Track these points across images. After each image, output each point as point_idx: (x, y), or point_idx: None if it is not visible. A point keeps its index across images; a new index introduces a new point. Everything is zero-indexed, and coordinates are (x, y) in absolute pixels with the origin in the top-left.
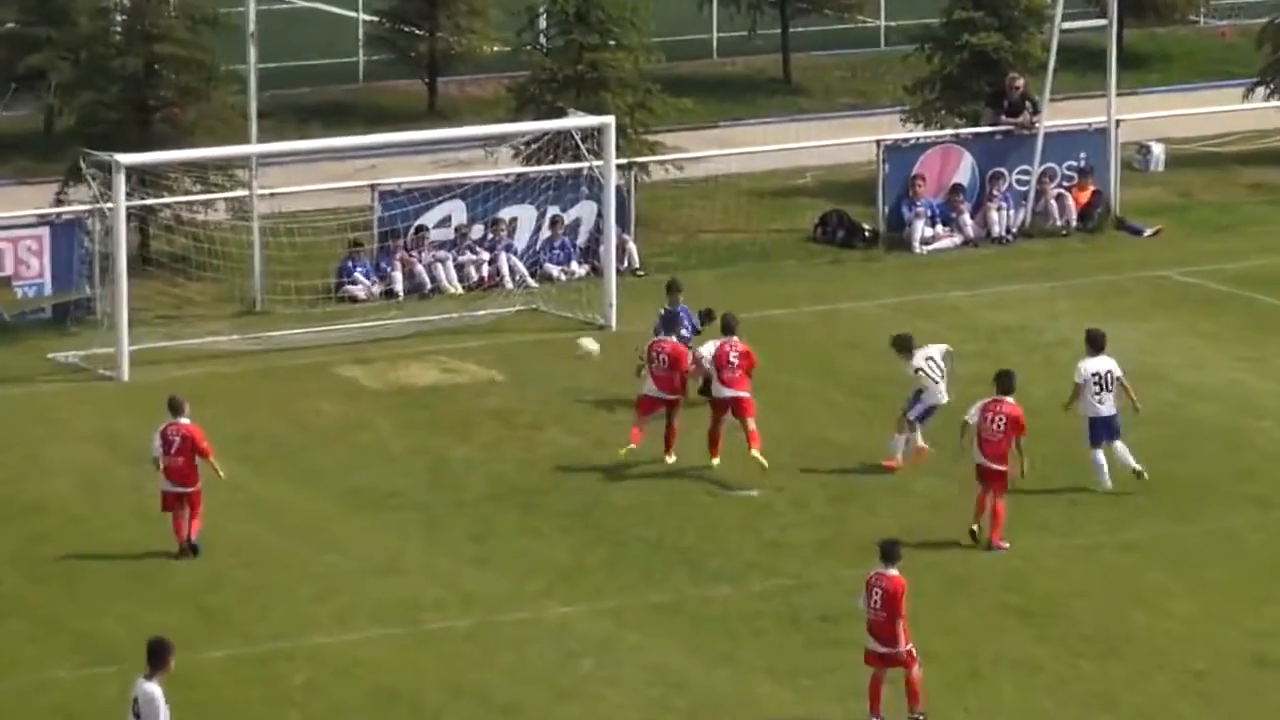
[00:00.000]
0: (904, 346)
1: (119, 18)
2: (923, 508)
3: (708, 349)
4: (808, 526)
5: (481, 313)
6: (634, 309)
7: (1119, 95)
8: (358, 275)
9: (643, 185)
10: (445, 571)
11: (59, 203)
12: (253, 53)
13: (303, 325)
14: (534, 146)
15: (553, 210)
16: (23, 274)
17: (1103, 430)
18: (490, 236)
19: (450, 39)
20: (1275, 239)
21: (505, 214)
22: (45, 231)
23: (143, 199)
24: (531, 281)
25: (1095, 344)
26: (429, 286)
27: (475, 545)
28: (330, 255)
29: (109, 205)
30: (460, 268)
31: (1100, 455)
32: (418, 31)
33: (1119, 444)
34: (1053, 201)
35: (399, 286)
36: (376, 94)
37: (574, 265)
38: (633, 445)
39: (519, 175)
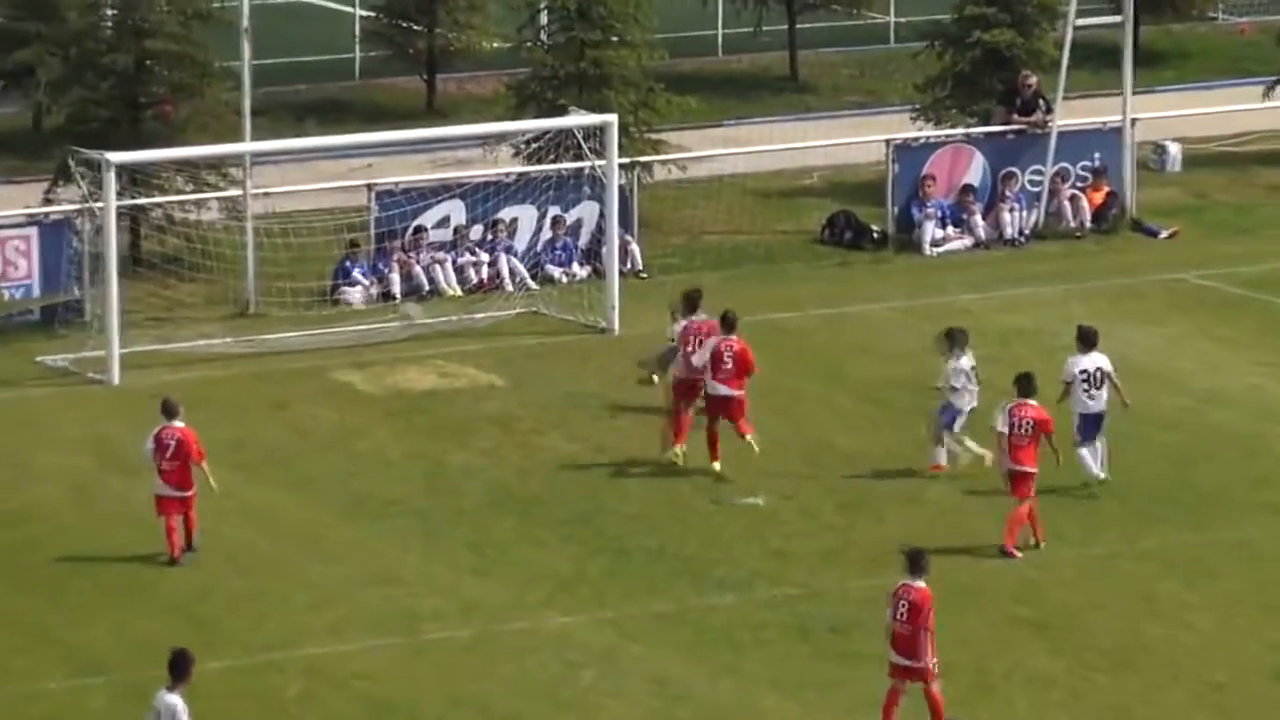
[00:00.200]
0: (961, 342)
1: (109, 12)
2: (933, 516)
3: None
4: (815, 535)
5: (481, 316)
6: (636, 312)
7: (1134, 94)
8: (353, 277)
9: (646, 185)
10: (443, 581)
11: (48, 202)
12: (247, 48)
13: (298, 328)
14: (535, 145)
15: (554, 211)
16: (10, 275)
17: (1093, 427)
18: (490, 237)
19: (449, 35)
20: None
21: (505, 214)
22: (33, 231)
23: (134, 198)
24: (532, 284)
25: (1086, 340)
26: (427, 288)
27: (474, 554)
28: (326, 257)
29: (99, 205)
30: (459, 269)
31: (1086, 453)
32: (416, 27)
33: (1099, 443)
34: (1066, 202)
35: (397, 289)
36: (373, 91)
37: (575, 267)
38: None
39: (519, 175)
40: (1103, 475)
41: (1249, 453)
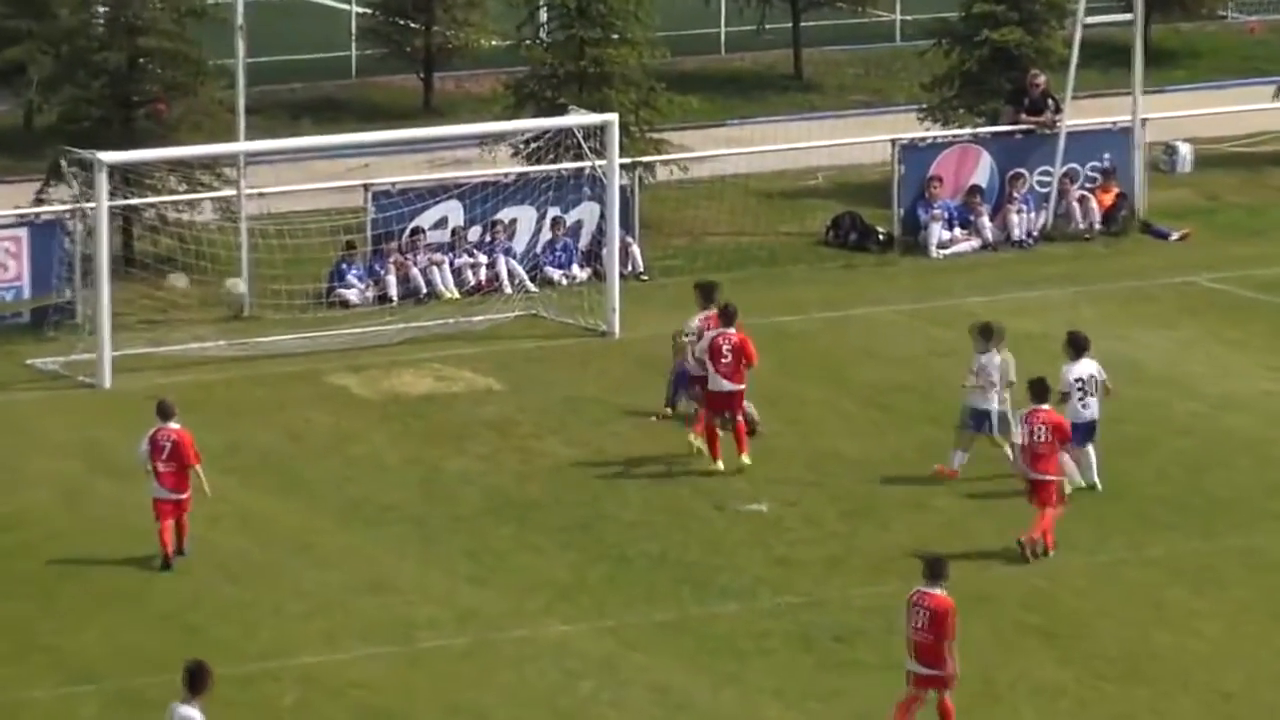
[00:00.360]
0: (989, 337)
1: (102, 10)
2: (939, 524)
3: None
4: (819, 542)
5: (479, 318)
6: (638, 314)
7: (1144, 93)
8: (349, 279)
9: (647, 186)
10: (440, 588)
11: (39, 202)
12: (241, 46)
13: (293, 331)
14: (534, 145)
15: (553, 212)
16: (0, 277)
17: (1084, 435)
18: (488, 239)
19: (447, 33)
20: None
21: (504, 215)
22: (24, 232)
23: (126, 199)
24: (531, 286)
25: (1078, 347)
26: (424, 291)
27: (471, 561)
28: (321, 258)
29: (90, 205)
30: (457, 271)
31: (1068, 459)
32: (413, 25)
33: (1090, 449)
34: (1075, 204)
35: (393, 291)
36: (370, 90)
37: (575, 269)
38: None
39: (518, 175)
40: (1083, 482)
41: (1261, 459)
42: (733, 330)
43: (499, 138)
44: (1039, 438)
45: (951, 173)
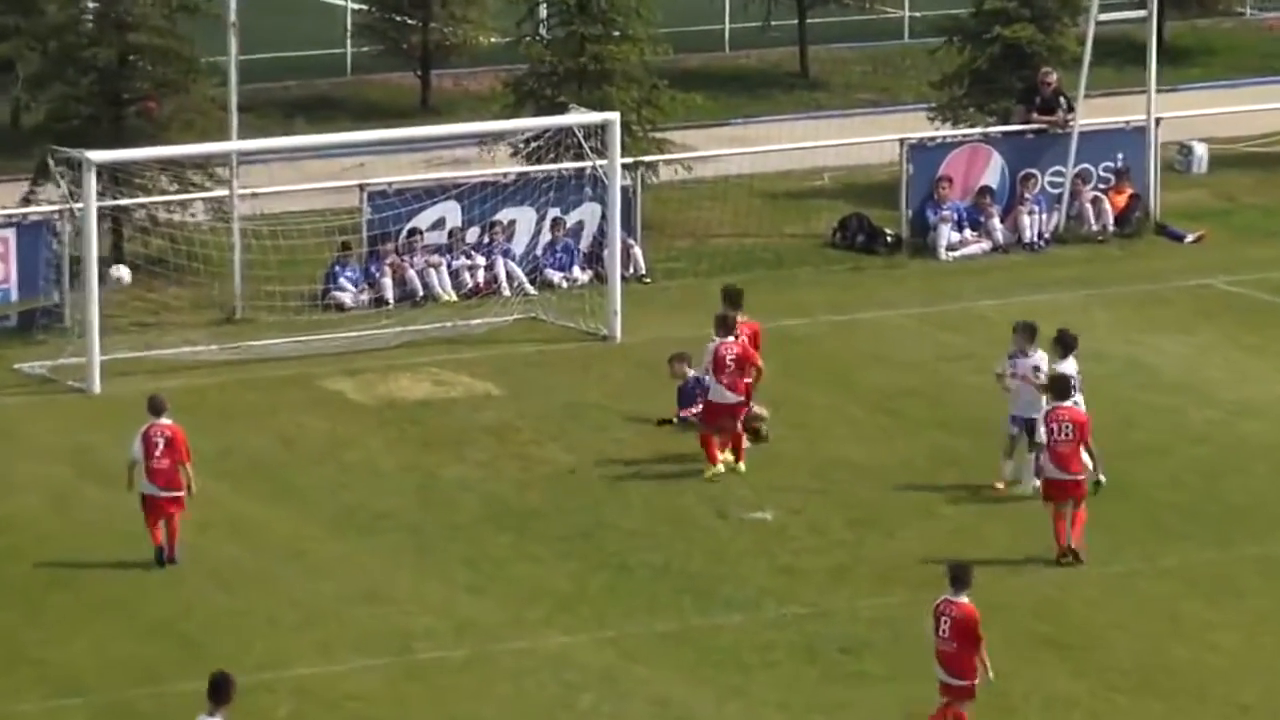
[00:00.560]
0: (1071, 345)
1: (91, 5)
2: (948, 532)
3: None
4: (824, 551)
5: (477, 322)
6: (640, 318)
7: (1159, 91)
8: (343, 281)
9: (649, 186)
10: (437, 598)
11: (26, 202)
12: (234, 43)
13: (286, 334)
14: (534, 145)
15: (553, 212)
16: None
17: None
18: (487, 240)
19: (444, 30)
20: None
21: (503, 216)
22: (11, 233)
23: (115, 199)
24: (530, 288)
25: (1066, 346)
26: (421, 293)
27: (469, 570)
28: (316, 260)
29: (79, 205)
30: (455, 274)
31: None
32: (410, 21)
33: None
34: (1088, 205)
35: (389, 294)
36: (365, 88)
37: (576, 271)
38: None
39: (518, 175)
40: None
41: (1279, 466)
42: (731, 339)
43: (498, 137)
44: (1062, 435)
45: (961, 173)
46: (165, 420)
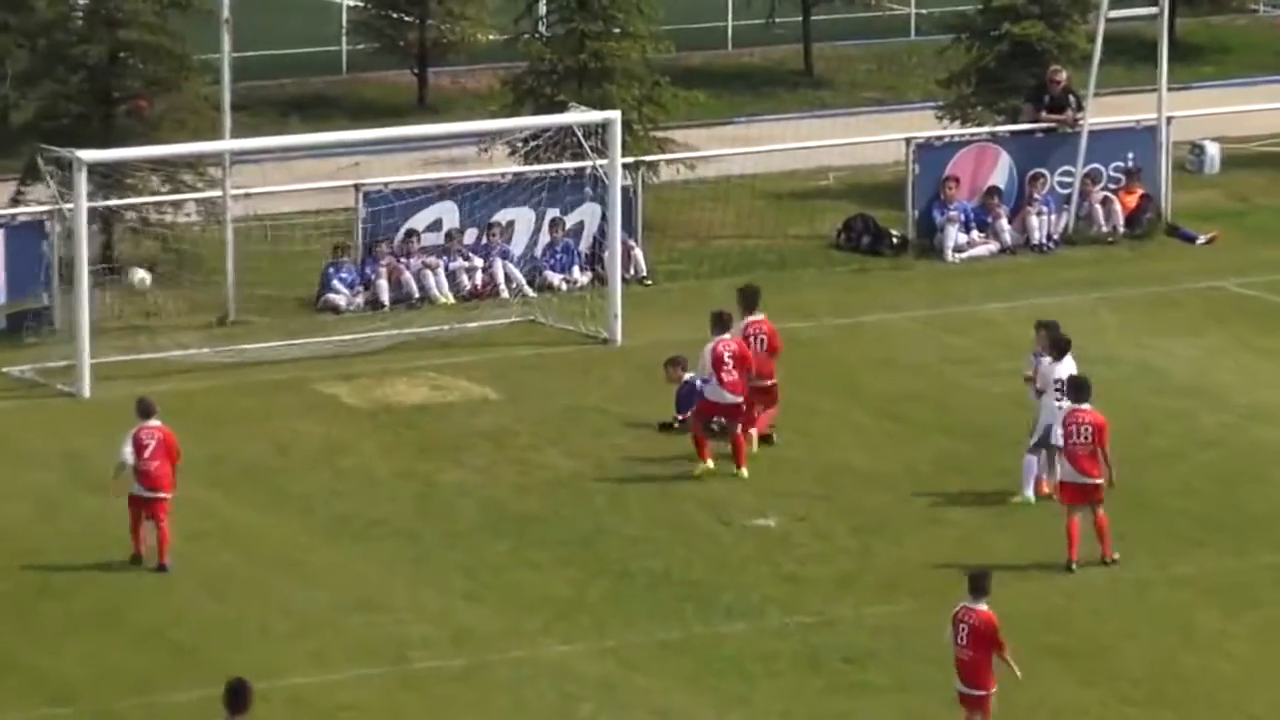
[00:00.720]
0: (1064, 347)
1: (81, 1)
2: (954, 540)
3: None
4: (829, 559)
5: (475, 324)
6: (640, 321)
7: (1170, 90)
8: (338, 284)
9: (650, 186)
10: (434, 607)
11: (15, 203)
12: (227, 40)
13: (280, 337)
14: (532, 144)
15: (552, 213)
16: None
17: (1051, 436)
18: (485, 242)
19: (442, 27)
20: None
21: (501, 217)
22: (0, 234)
23: (106, 199)
24: (529, 290)
25: (1060, 348)
26: (417, 296)
27: (466, 578)
28: (310, 262)
29: (69, 206)
30: (452, 275)
31: (1035, 461)
32: (406, 18)
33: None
34: (1098, 206)
35: (385, 296)
36: (361, 86)
37: (575, 273)
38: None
39: (516, 175)
40: (1030, 497)
41: None
42: (727, 337)
43: (496, 136)
44: (1080, 438)
45: (969, 173)
46: (154, 422)
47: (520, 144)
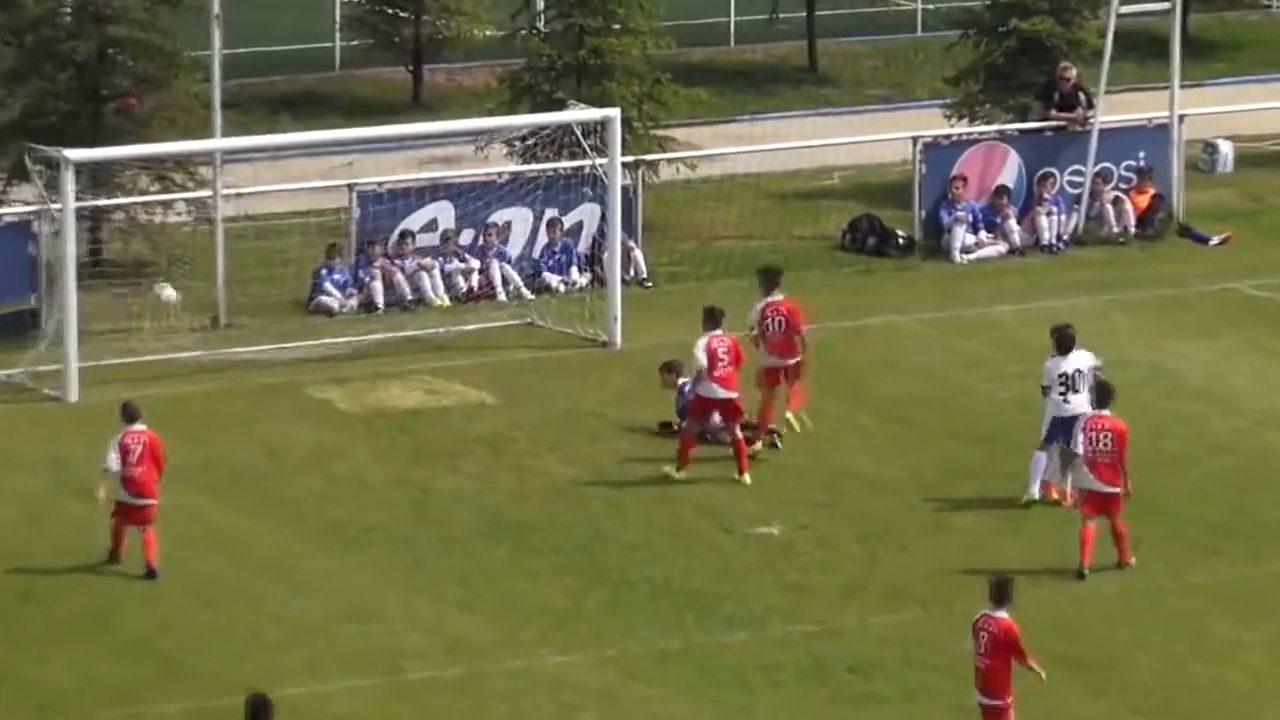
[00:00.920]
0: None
1: None
2: (961, 547)
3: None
4: (833, 567)
5: (471, 327)
6: (641, 323)
7: (1183, 87)
8: (331, 286)
9: (651, 186)
10: (429, 616)
11: (0, 203)
12: (217, 37)
13: (272, 340)
14: (530, 142)
15: (550, 213)
16: None
17: (1060, 431)
18: (481, 242)
19: (437, 23)
20: None
21: (498, 217)
22: None
23: (94, 199)
24: (527, 292)
25: (1063, 345)
26: (410, 298)
27: (462, 587)
28: (303, 262)
29: (56, 206)
30: (448, 277)
31: (1044, 458)
32: (401, 14)
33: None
34: (1108, 206)
35: (379, 298)
36: (355, 83)
37: (574, 274)
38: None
39: (513, 175)
40: (1034, 494)
41: None
42: (720, 332)
43: (493, 134)
44: (1102, 444)
45: (976, 172)
46: (140, 426)
47: (518, 143)
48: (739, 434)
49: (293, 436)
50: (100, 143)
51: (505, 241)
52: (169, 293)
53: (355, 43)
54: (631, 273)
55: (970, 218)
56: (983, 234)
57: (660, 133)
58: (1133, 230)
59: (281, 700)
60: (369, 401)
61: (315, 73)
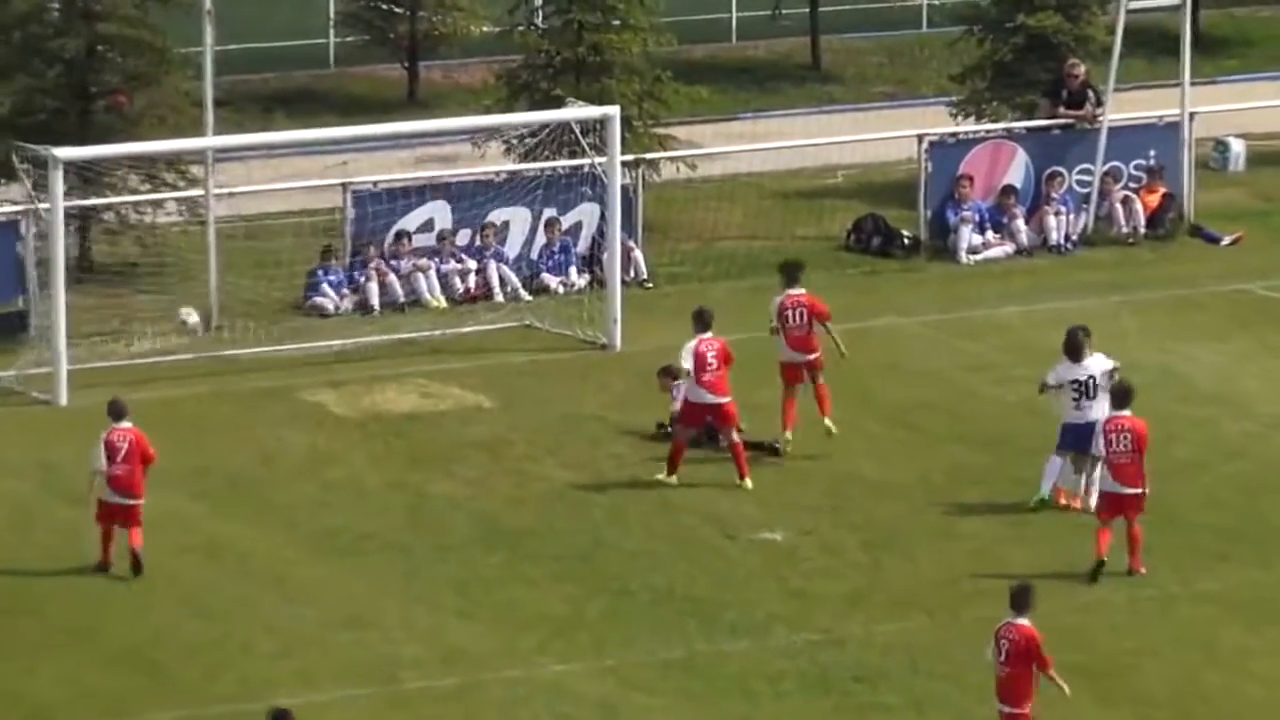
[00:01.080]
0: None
1: None
2: (968, 554)
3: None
4: (838, 574)
5: (468, 329)
6: (641, 325)
7: (1193, 84)
8: (325, 287)
9: (651, 185)
10: (425, 624)
11: None
12: (209, 33)
13: (265, 343)
14: (528, 141)
15: (549, 213)
16: None
17: (1071, 438)
18: (478, 243)
19: (433, 18)
20: None
21: (495, 217)
22: None
23: (83, 199)
24: (524, 294)
25: (1073, 353)
26: (402, 299)
27: (459, 595)
28: (297, 263)
29: (44, 206)
30: (444, 278)
31: (1058, 462)
32: (396, 10)
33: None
34: (1118, 205)
35: (374, 300)
36: (349, 80)
37: (573, 275)
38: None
39: (511, 173)
40: (1044, 494)
41: None
42: (710, 335)
43: (490, 133)
44: (1121, 445)
45: (983, 172)
46: (126, 424)
47: (515, 141)
48: (735, 438)
49: (286, 441)
50: (89, 141)
51: (503, 242)
52: (194, 319)
53: (350, 39)
54: (631, 274)
55: (977, 217)
56: (989, 234)
57: (661, 131)
58: (1143, 230)
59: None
60: (364, 405)
61: (309, 69)
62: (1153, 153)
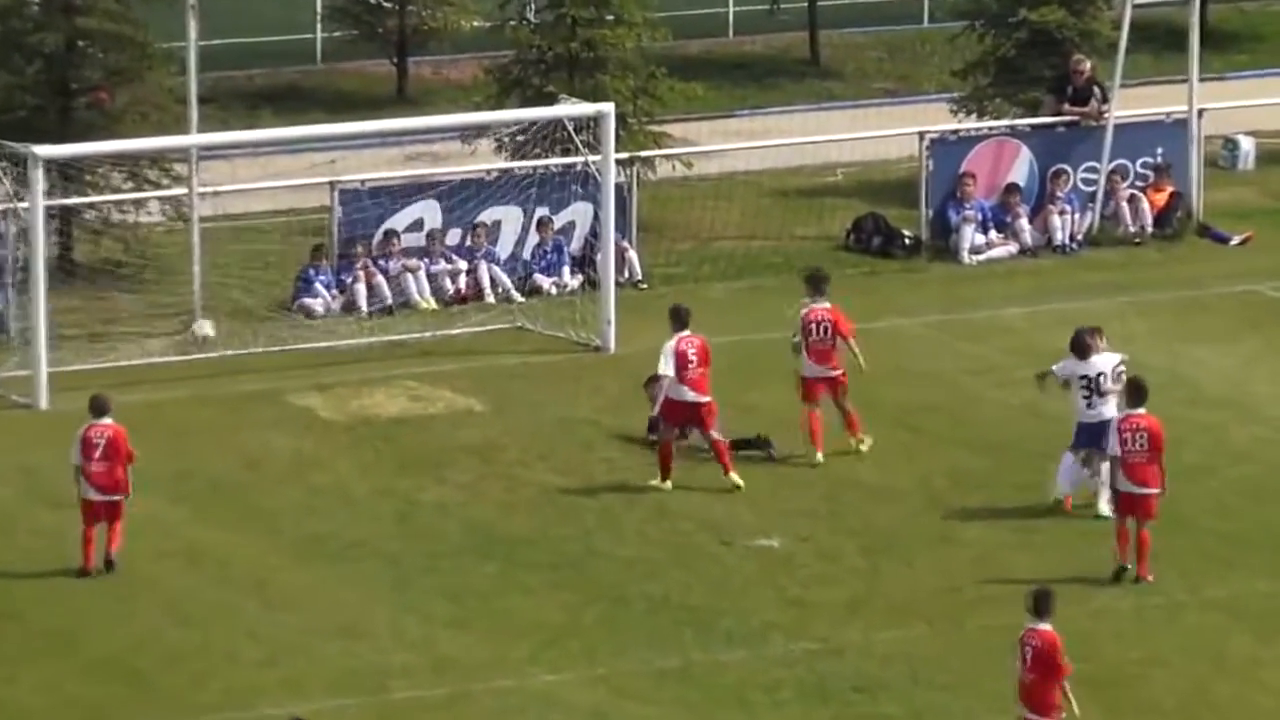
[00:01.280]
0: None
1: None
2: (970, 560)
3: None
4: (836, 581)
5: (458, 331)
6: (635, 327)
7: (1202, 80)
8: (313, 287)
9: (646, 184)
10: (415, 633)
11: None
12: (193, 28)
13: (250, 345)
14: (520, 138)
15: (541, 212)
16: None
17: (1085, 437)
18: (469, 243)
19: (423, 13)
20: None
21: (486, 217)
22: None
23: (64, 198)
24: (516, 295)
25: (1078, 350)
26: (389, 300)
27: (450, 603)
28: (283, 264)
29: (24, 205)
30: (434, 279)
31: (1070, 461)
32: (385, 4)
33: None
34: (1124, 204)
35: (363, 301)
36: (337, 77)
37: (566, 276)
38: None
39: (502, 172)
40: (1061, 496)
41: None
42: (688, 332)
43: (481, 130)
44: (1136, 445)
45: (986, 170)
46: (106, 420)
47: (507, 138)
48: (715, 435)
49: (272, 445)
50: (70, 138)
51: (494, 242)
52: (208, 330)
53: (338, 34)
54: (626, 274)
55: (979, 217)
56: (993, 234)
57: (656, 128)
58: (1150, 230)
59: None
60: (352, 409)
61: (296, 65)
62: (1160, 150)
